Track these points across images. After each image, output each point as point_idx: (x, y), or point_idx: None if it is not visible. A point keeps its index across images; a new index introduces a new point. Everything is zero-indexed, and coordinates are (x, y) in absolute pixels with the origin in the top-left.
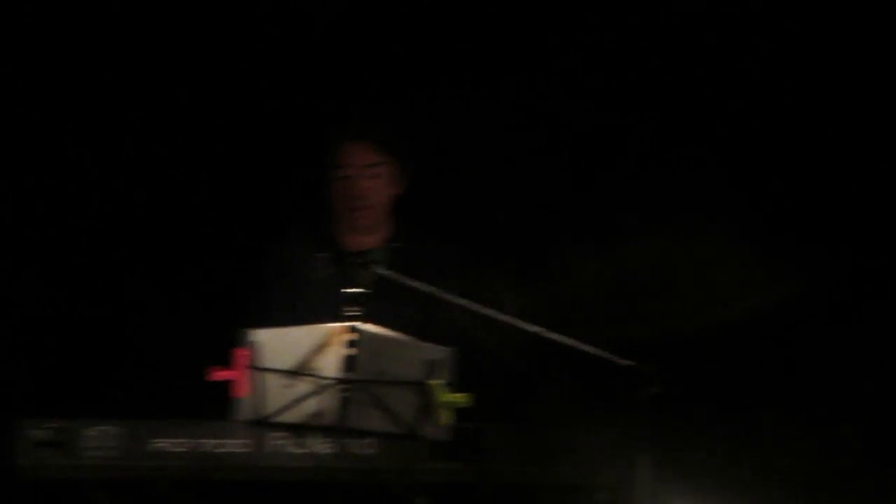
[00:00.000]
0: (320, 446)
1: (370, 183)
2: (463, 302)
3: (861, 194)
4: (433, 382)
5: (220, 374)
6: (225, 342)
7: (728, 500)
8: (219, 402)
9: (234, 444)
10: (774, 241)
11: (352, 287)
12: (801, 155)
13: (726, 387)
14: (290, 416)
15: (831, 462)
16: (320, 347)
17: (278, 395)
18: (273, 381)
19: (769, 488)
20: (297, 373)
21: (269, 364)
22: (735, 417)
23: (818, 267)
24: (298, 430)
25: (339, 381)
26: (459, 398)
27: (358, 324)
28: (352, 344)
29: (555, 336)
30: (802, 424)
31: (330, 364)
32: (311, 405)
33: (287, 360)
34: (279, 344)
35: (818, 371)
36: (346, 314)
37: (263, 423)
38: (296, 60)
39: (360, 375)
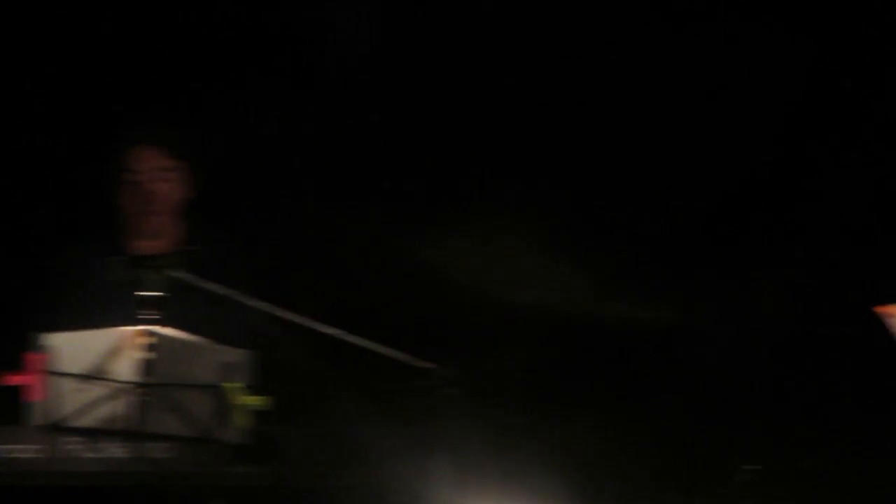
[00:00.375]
0: (116, 450)
1: (161, 186)
2: (259, 304)
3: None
4: (230, 385)
5: (13, 379)
6: (18, 346)
7: (527, 499)
8: (11, 407)
9: (28, 450)
10: (571, 244)
11: (147, 290)
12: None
13: (526, 387)
14: (86, 421)
15: (632, 460)
16: (116, 351)
17: (73, 400)
18: (68, 386)
19: (570, 486)
20: (92, 377)
21: (64, 368)
22: (535, 417)
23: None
24: (94, 434)
25: (136, 384)
26: (256, 401)
27: (154, 327)
28: (148, 347)
29: (352, 338)
30: (602, 424)
31: (126, 368)
32: (106, 409)
33: (82, 364)
34: (74, 348)
35: (620, 371)
36: (142, 317)
37: (58, 428)
38: (88, 62)
39: (156, 379)
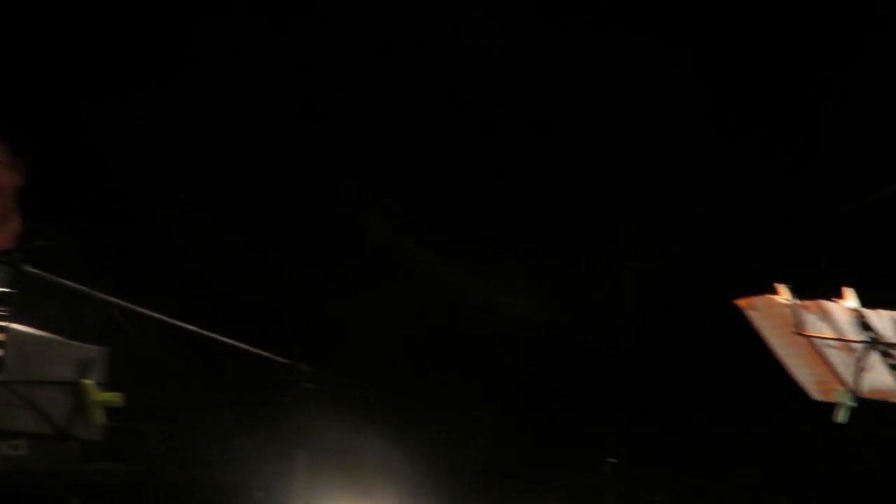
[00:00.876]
0: None
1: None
2: (113, 300)
3: None
4: (85, 382)
5: None
6: None
7: (386, 495)
8: None
9: None
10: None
11: None
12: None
13: (388, 385)
14: None
15: (495, 454)
16: None
17: None
18: None
19: (426, 482)
20: None
21: None
22: (392, 415)
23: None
24: None
25: None
26: (112, 397)
27: (4, 324)
28: None
29: (212, 334)
30: (458, 422)
31: None
32: None
33: None
34: None
35: (478, 369)
36: None
37: None
38: None
39: (8, 376)
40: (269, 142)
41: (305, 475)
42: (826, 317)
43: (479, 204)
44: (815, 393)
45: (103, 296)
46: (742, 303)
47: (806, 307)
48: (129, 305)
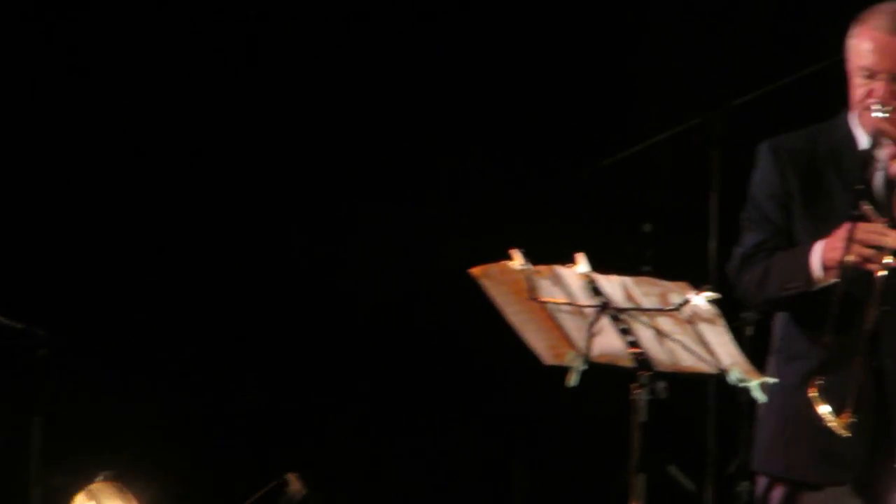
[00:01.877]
0: None
1: None
2: None
3: None
4: None
5: None
6: None
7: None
8: None
9: None
10: None
11: None
12: None
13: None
14: None
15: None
16: None
17: None
18: None
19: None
20: None
21: None
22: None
23: None
24: None
25: None
26: None
27: None
28: None
29: None
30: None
31: None
32: None
33: None
34: None
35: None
36: None
37: None
38: None
39: None
40: None
41: (40, 442)
42: (559, 282)
43: None
44: (549, 357)
45: None
46: (475, 271)
47: (539, 272)
48: None
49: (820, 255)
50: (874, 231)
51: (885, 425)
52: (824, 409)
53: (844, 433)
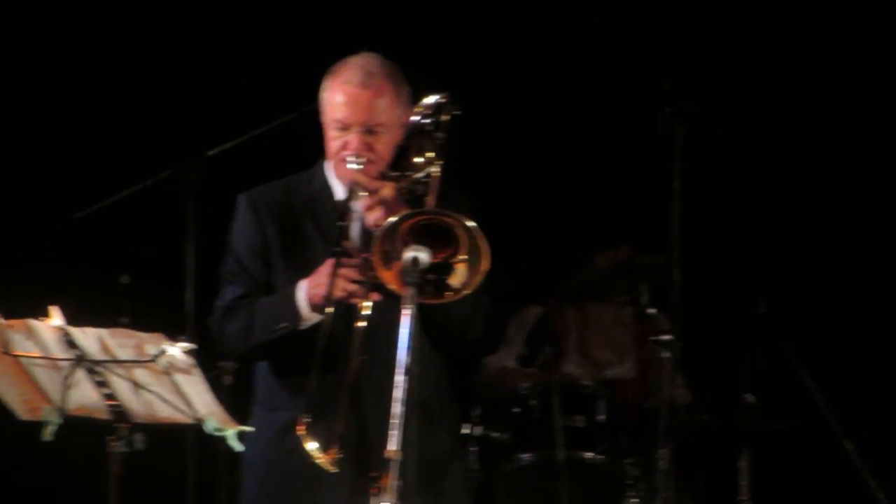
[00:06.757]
0: None
1: None
2: None
3: None
4: None
5: None
6: None
7: None
8: None
9: None
10: None
11: None
12: None
13: None
14: None
15: None
16: None
17: None
18: None
19: None
20: None
21: None
22: None
23: None
24: None
25: None
26: None
27: None
28: None
29: None
30: None
31: None
32: None
33: None
34: None
35: None
36: None
37: None
38: None
39: None
40: None
41: None
42: (32, 335)
43: None
44: (24, 412)
45: None
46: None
47: (11, 326)
48: None
49: (305, 292)
50: (357, 266)
51: (365, 470)
52: (312, 446)
53: (332, 469)
